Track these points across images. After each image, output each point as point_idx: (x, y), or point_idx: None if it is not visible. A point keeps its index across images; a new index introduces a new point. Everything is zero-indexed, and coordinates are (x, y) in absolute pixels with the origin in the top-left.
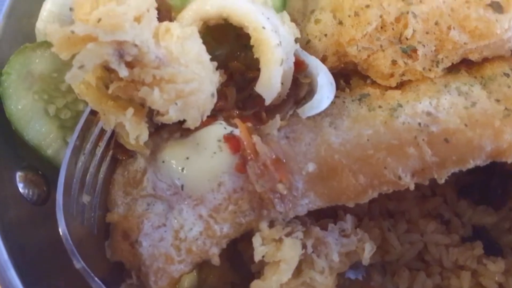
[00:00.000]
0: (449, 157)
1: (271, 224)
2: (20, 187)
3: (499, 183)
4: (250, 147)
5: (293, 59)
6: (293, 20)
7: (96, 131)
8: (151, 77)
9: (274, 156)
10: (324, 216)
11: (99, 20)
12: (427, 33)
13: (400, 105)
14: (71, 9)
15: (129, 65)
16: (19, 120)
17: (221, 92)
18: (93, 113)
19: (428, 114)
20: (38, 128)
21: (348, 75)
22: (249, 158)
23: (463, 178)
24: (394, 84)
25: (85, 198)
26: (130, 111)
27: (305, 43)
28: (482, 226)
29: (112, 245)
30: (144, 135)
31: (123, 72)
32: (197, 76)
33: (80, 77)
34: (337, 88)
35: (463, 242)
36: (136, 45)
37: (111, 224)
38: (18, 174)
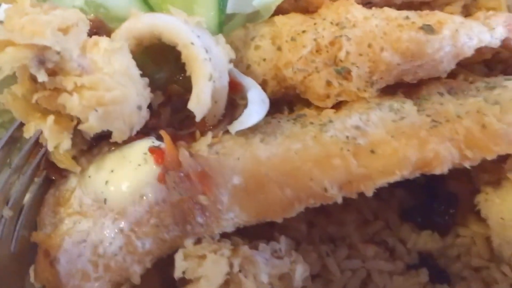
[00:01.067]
0: (375, 168)
1: (198, 242)
2: None
3: (443, 205)
4: (172, 156)
5: (227, 79)
6: (234, 46)
7: (26, 147)
8: (73, 84)
9: (199, 169)
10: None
11: (23, 27)
12: (360, 55)
13: (331, 121)
14: (0, 22)
15: (52, 74)
16: None
17: (156, 111)
18: None
19: (357, 128)
20: None
21: (292, 102)
22: (170, 167)
23: (406, 202)
24: (330, 105)
25: (6, 212)
26: (51, 118)
27: (245, 68)
28: (429, 253)
29: (35, 267)
30: (65, 144)
31: (42, 77)
32: (120, 86)
33: None
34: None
35: (408, 270)
36: (58, 53)
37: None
38: None
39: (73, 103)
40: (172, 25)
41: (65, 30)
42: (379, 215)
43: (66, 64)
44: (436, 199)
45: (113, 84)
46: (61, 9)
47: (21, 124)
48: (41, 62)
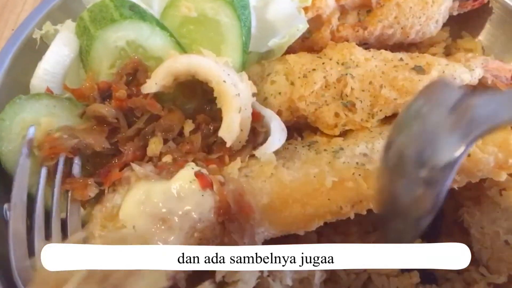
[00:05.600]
0: None
1: None
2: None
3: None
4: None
5: (251, 110)
6: (252, 81)
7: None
8: None
9: (237, 193)
10: None
11: None
12: (363, 90)
13: (342, 149)
14: None
15: None
16: (8, 159)
17: (189, 138)
18: None
19: (365, 155)
20: None
21: (300, 129)
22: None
23: None
24: (337, 133)
25: None
26: None
27: (262, 100)
28: None
29: None
30: None
31: None
32: None
33: None
34: (291, 138)
35: (402, 272)
36: None
37: None
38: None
39: None
40: (207, 65)
41: None
42: (377, 226)
43: None
44: None
45: None
46: None
47: None
48: None
